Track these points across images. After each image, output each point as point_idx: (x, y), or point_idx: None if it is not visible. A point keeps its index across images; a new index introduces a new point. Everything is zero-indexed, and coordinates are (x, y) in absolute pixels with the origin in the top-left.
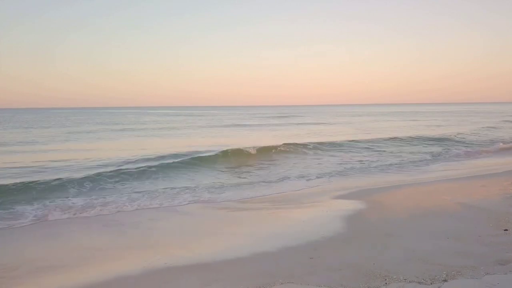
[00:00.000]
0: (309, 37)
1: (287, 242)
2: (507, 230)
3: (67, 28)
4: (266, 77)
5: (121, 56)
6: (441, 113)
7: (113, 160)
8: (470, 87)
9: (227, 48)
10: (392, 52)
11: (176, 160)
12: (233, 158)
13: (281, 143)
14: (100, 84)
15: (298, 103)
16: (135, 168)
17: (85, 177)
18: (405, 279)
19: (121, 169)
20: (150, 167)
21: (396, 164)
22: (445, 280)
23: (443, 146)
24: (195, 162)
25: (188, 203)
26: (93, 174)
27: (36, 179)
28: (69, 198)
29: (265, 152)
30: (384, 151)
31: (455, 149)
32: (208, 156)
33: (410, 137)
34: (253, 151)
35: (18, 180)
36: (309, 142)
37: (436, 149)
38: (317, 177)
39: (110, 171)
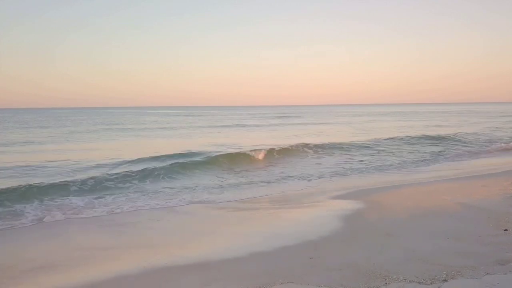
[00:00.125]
0: (309, 37)
1: (287, 242)
2: (507, 230)
3: (67, 28)
4: (266, 77)
5: (121, 56)
6: (441, 113)
7: (113, 160)
8: (470, 87)
9: (227, 48)
10: (392, 52)
11: (176, 160)
12: (233, 158)
13: (281, 143)
14: (100, 84)
15: (298, 103)
16: (135, 168)
17: (85, 177)
18: (405, 279)
19: (121, 169)
20: (149, 167)
21: (396, 164)
22: (445, 280)
23: (443, 146)
24: (195, 162)
25: (188, 203)
26: (93, 174)
27: (36, 179)
28: (69, 198)
29: (265, 152)
30: (384, 151)
31: (455, 149)
32: (208, 156)
33: (410, 137)
34: (253, 151)
35: (18, 180)
36: (309, 142)
37: (436, 149)
38: (317, 177)
39: (110, 171)
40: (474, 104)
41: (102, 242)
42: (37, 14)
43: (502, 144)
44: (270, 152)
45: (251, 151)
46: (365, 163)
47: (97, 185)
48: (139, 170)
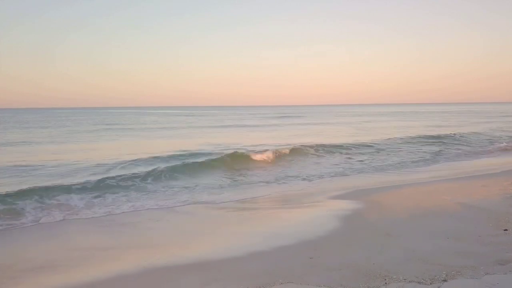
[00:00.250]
0: (309, 37)
1: (286, 242)
2: (507, 230)
3: (67, 28)
4: (266, 77)
5: (121, 56)
6: (441, 113)
7: (113, 160)
8: (470, 87)
9: (227, 48)
10: (392, 52)
11: (176, 161)
12: (233, 159)
13: (281, 143)
14: (100, 84)
15: (298, 103)
16: (135, 169)
17: (85, 177)
18: (405, 279)
19: (121, 170)
20: (149, 167)
21: (396, 164)
22: (445, 280)
23: (443, 146)
24: (195, 162)
25: (188, 203)
26: (93, 174)
27: (36, 179)
28: (69, 198)
29: (265, 152)
30: (383, 150)
31: (455, 149)
32: (208, 156)
33: (410, 137)
34: (253, 152)
35: (18, 180)
36: (309, 142)
37: (436, 149)
38: (317, 177)
39: (110, 171)
40: (474, 104)
41: (102, 242)
42: (37, 14)
43: (502, 144)
44: (270, 152)
45: (251, 151)
46: (365, 163)
47: (97, 185)
48: (139, 170)
